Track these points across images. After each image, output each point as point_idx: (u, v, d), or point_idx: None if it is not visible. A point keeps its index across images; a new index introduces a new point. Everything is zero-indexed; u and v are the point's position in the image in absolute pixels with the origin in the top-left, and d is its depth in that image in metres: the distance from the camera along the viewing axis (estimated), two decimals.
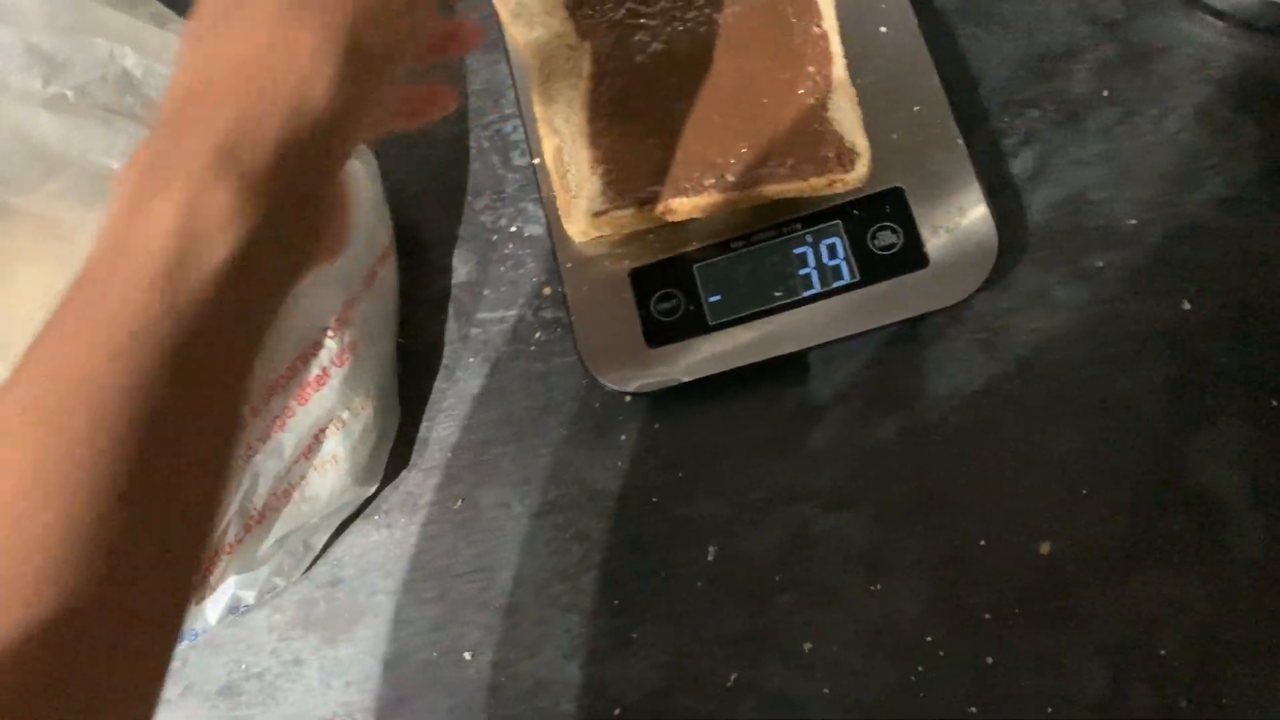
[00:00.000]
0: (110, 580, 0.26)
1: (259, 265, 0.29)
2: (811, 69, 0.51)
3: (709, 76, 0.52)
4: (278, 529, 0.50)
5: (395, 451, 0.54)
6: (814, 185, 0.50)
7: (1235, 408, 0.47)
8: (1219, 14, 0.52)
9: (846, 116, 0.50)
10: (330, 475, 0.51)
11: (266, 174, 0.29)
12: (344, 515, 0.53)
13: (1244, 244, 0.49)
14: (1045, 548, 0.47)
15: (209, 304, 0.28)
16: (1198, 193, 0.50)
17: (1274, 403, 0.47)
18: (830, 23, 0.52)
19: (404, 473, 0.54)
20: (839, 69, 0.51)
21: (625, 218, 0.51)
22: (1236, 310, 0.48)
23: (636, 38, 0.53)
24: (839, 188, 0.50)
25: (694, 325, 0.51)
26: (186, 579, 0.29)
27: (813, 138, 0.50)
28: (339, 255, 0.35)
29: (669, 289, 0.52)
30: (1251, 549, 0.46)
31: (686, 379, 0.51)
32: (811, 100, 0.51)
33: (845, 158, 0.50)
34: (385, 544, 0.53)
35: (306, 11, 0.30)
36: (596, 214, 0.51)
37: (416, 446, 0.54)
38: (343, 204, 0.34)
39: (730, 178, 0.50)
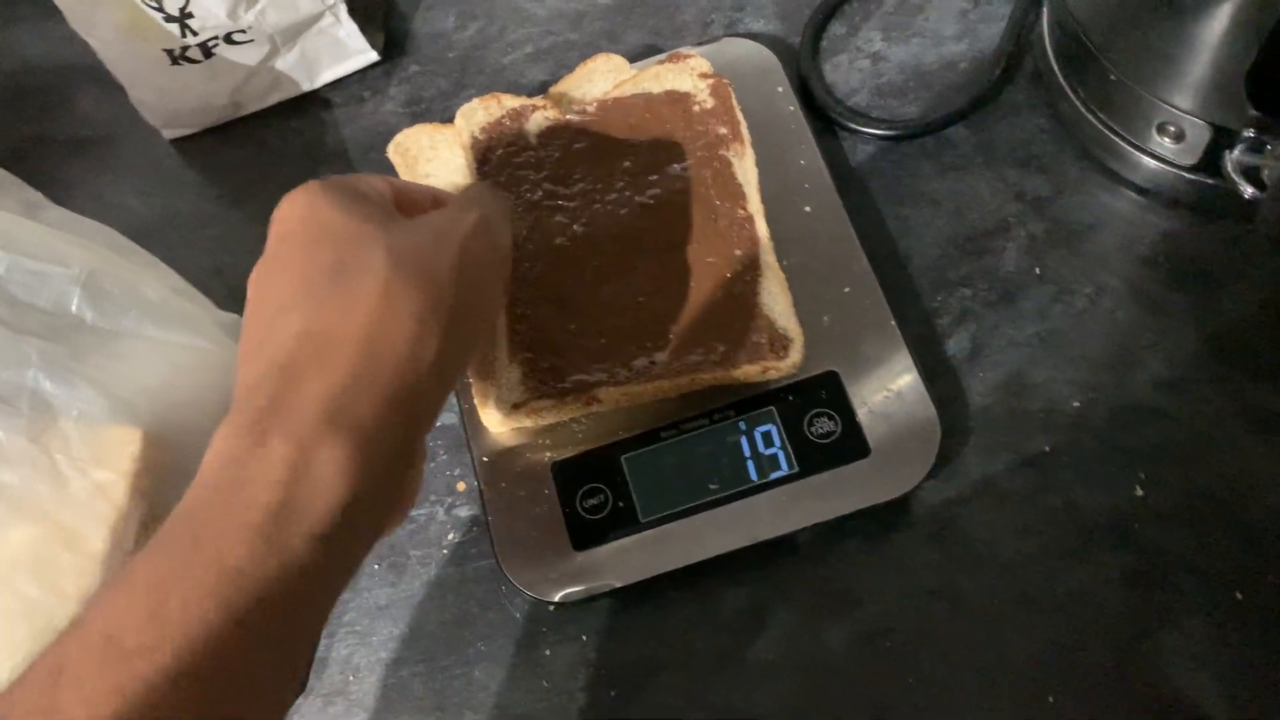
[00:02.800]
0: None
1: (357, 521, 0.30)
2: (738, 253, 0.49)
3: (632, 260, 0.50)
4: None
5: None
6: (747, 373, 0.47)
7: (1197, 603, 0.44)
8: (1143, 190, 0.52)
9: (777, 301, 0.48)
10: None
11: (375, 433, 0.30)
12: None
13: (1190, 427, 0.47)
14: None
15: (308, 556, 0.28)
16: (1139, 373, 0.48)
17: (1238, 595, 0.44)
18: (755, 205, 0.50)
19: (300, 700, 0.48)
20: (766, 252, 0.49)
21: (547, 408, 0.48)
22: (1190, 497, 0.46)
23: (555, 219, 0.51)
24: (772, 374, 0.48)
25: (624, 523, 0.47)
26: None
27: (743, 324, 0.48)
28: (410, 510, 0.37)
29: (596, 484, 0.48)
30: None
31: (617, 584, 0.46)
32: (740, 285, 0.48)
33: (778, 344, 0.47)
34: None
35: (415, 278, 0.32)
36: (516, 405, 0.48)
37: (315, 668, 0.48)
38: (422, 460, 0.36)
39: (658, 366, 0.47)
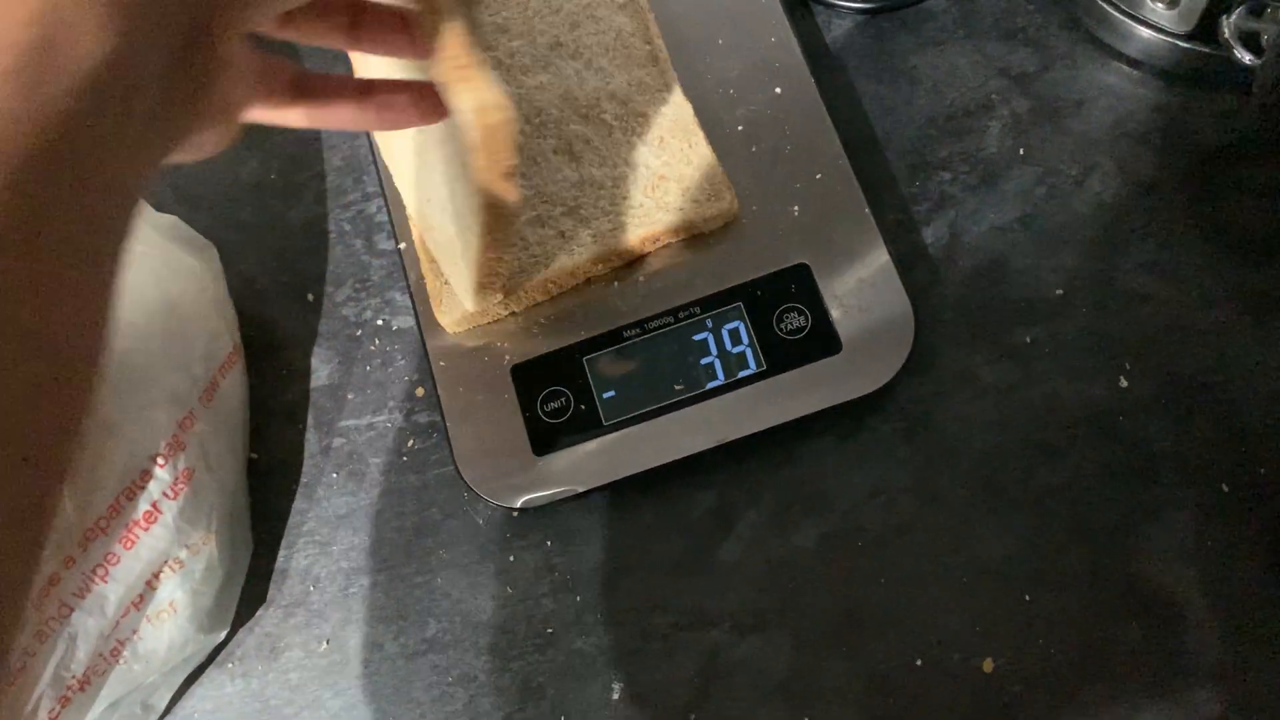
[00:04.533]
0: None
1: (128, 96, 0.26)
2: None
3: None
4: (106, 694, 0.42)
5: (249, 587, 0.47)
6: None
7: (1182, 496, 0.43)
8: (1135, 63, 0.49)
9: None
10: (168, 626, 0.43)
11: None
12: (190, 668, 0.46)
13: (1179, 312, 0.45)
14: (988, 665, 0.42)
15: (75, 105, 0.24)
16: (1126, 258, 0.46)
17: (1224, 488, 0.43)
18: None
19: (260, 611, 0.47)
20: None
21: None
22: (1176, 386, 0.44)
23: None
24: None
25: (586, 427, 0.45)
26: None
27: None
28: (211, 151, 0.31)
29: (556, 386, 0.46)
30: (1210, 654, 0.41)
31: (580, 489, 0.45)
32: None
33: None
34: (241, 697, 0.46)
35: None
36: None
37: (274, 580, 0.47)
38: (226, 73, 0.29)
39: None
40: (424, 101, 0.35)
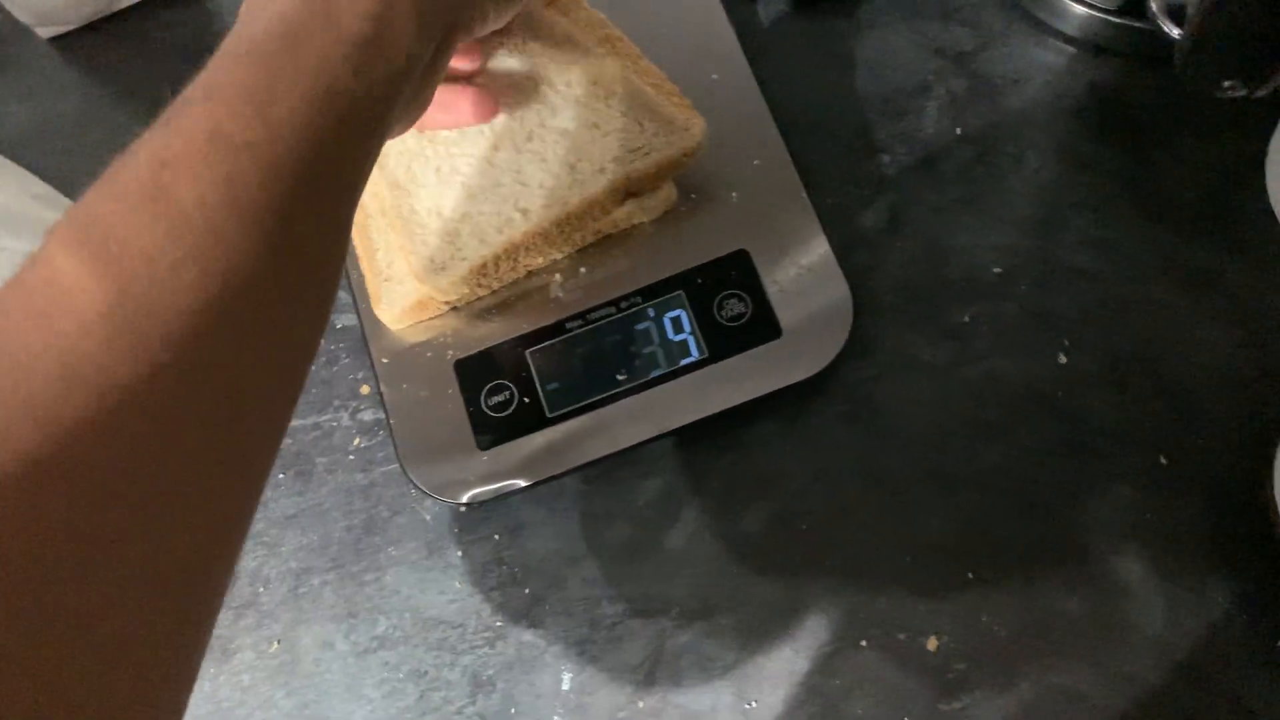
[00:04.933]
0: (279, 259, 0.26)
1: (411, 79, 0.31)
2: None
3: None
4: None
5: None
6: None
7: (1123, 469, 0.43)
8: (1069, 39, 0.49)
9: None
10: None
11: (438, 12, 0.32)
12: None
13: (1116, 288, 0.45)
14: (932, 643, 0.42)
15: (385, 90, 0.30)
16: (1063, 234, 0.46)
17: (1162, 460, 0.43)
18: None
19: None
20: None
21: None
22: (1115, 361, 0.44)
23: None
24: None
25: (530, 420, 0.45)
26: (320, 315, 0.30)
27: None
28: (418, 117, 0.36)
29: (500, 380, 0.46)
30: (1151, 625, 0.41)
31: (525, 483, 0.45)
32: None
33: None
34: (193, 700, 0.46)
35: None
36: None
37: None
38: (442, 73, 0.36)
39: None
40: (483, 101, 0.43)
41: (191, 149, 0.25)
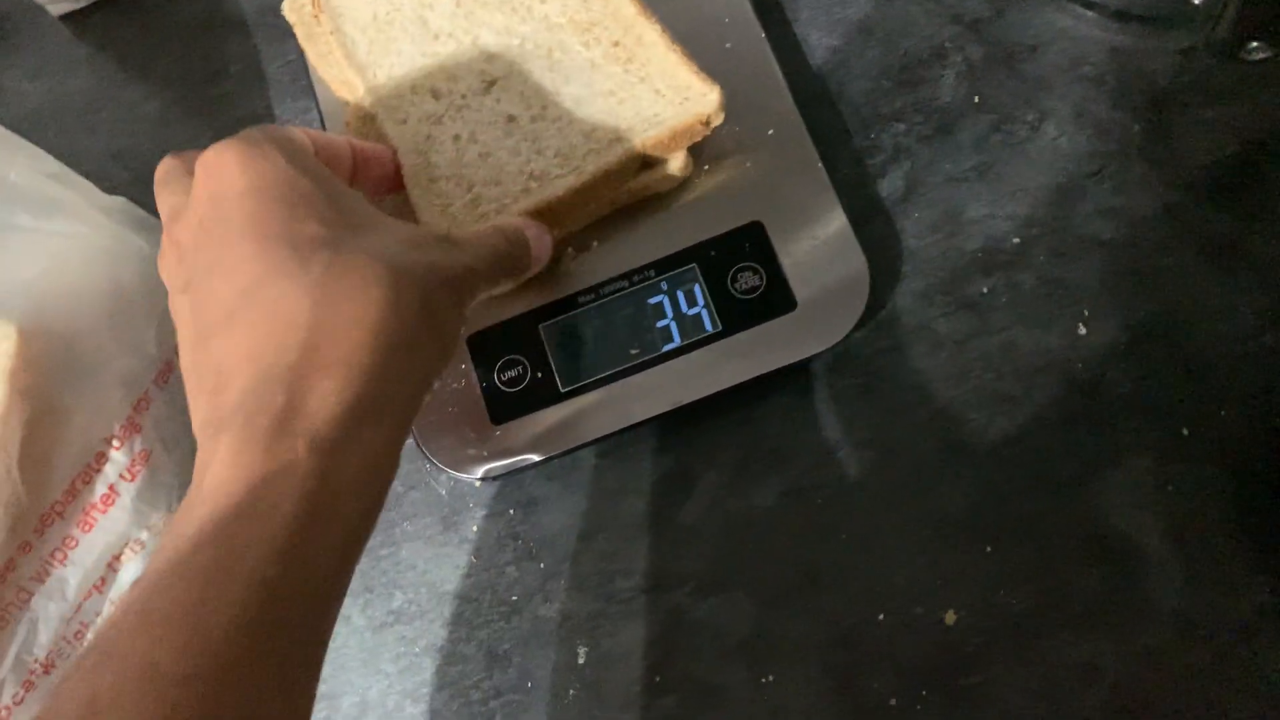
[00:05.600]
0: None
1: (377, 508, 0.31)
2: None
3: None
4: None
5: None
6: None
7: (1142, 441, 0.42)
8: (1089, 4, 0.48)
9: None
10: None
11: (397, 429, 0.32)
12: None
13: (1137, 257, 0.44)
14: (950, 617, 0.42)
15: (337, 562, 0.29)
16: (1083, 204, 0.45)
17: (1184, 431, 0.42)
18: None
19: None
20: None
21: None
22: (1135, 332, 0.44)
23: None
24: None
25: (544, 395, 0.45)
26: None
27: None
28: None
29: (513, 355, 0.46)
30: (1170, 599, 0.41)
31: (539, 458, 0.45)
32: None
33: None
34: None
35: (412, 269, 0.32)
36: None
37: None
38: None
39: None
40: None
41: (125, 687, 0.24)
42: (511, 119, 0.45)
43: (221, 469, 0.28)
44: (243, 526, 0.27)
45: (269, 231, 0.30)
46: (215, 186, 0.32)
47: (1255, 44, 0.36)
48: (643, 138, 0.44)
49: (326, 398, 0.28)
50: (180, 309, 0.33)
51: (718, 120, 0.45)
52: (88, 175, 0.49)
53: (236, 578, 0.26)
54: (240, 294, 0.30)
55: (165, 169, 0.35)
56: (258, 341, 0.29)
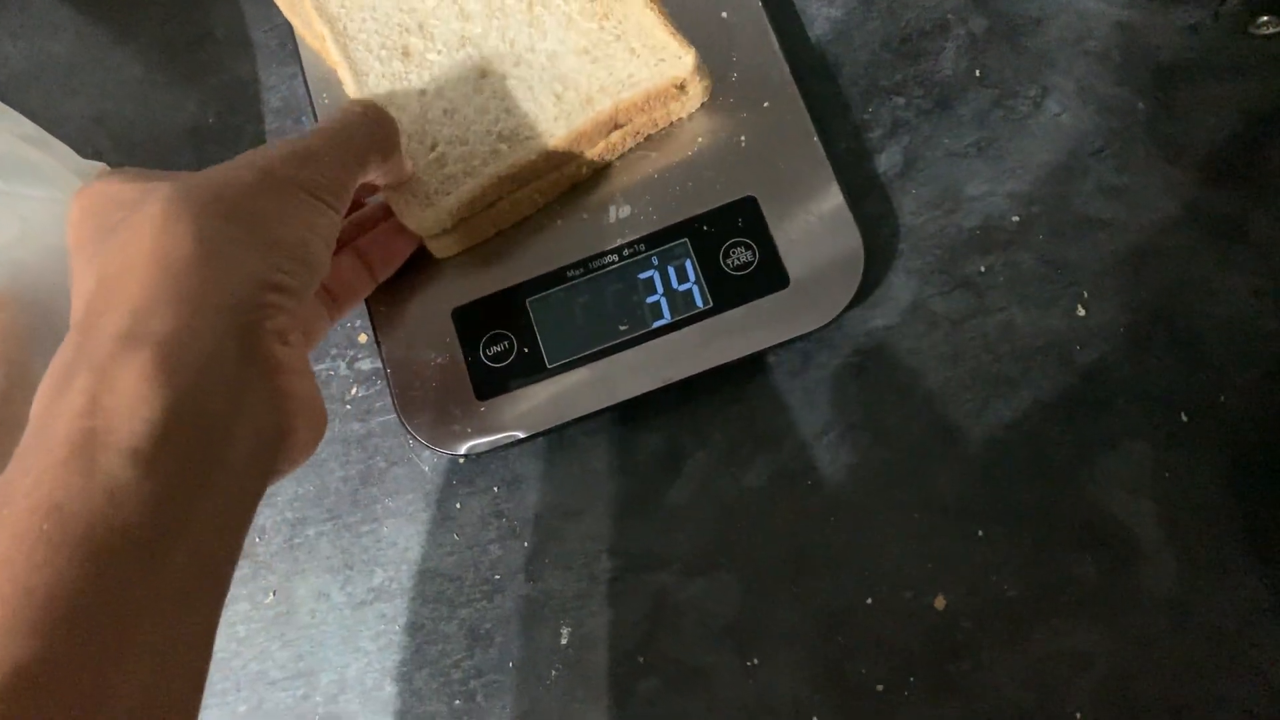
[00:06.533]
0: None
1: (194, 444, 0.27)
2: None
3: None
4: None
5: None
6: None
7: (1140, 427, 0.42)
8: None
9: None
10: None
11: (180, 341, 0.28)
12: None
13: (1137, 237, 0.43)
14: (940, 602, 0.41)
15: (133, 481, 0.26)
16: (1084, 182, 0.44)
17: (1183, 417, 0.42)
18: None
19: None
20: None
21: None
22: (1135, 314, 0.43)
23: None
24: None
25: (530, 370, 0.44)
26: None
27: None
28: (309, 447, 0.32)
29: (499, 329, 0.45)
30: (1164, 587, 0.40)
31: (525, 434, 0.44)
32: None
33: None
34: None
35: (203, 192, 0.30)
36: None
37: None
38: (289, 378, 0.31)
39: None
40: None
41: None
42: (484, 75, 0.44)
43: (30, 413, 0.29)
44: (29, 455, 0.27)
45: (87, 239, 0.32)
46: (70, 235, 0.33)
47: (1266, 18, 0.35)
48: (615, 99, 0.43)
49: (106, 324, 0.28)
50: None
51: (693, 86, 0.44)
52: (69, 139, 0.48)
53: (18, 505, 0.25)
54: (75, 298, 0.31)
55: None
56: (76, 310, 0.30)
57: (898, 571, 0.41)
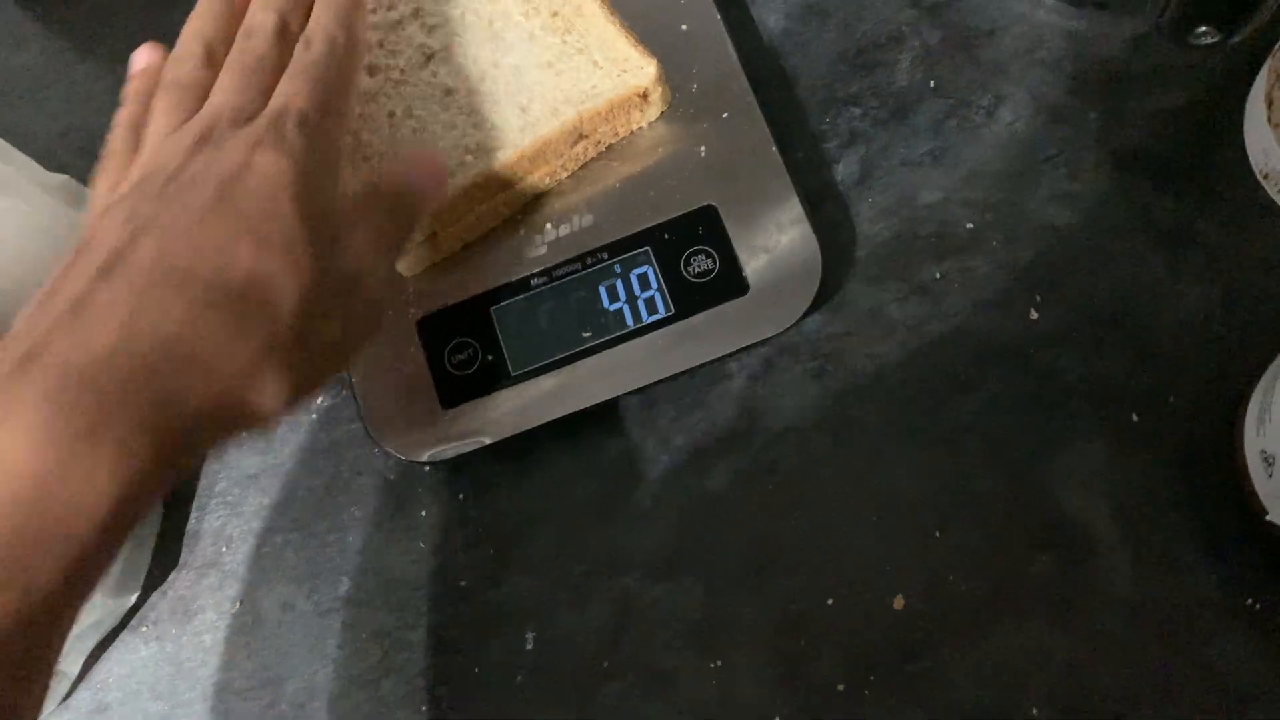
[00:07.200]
0: None
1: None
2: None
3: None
4: None
5: (162, 548, 0.46)
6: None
7: (1092, 427, 0.42)
8: None
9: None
10: None
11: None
12: (102, 633, 0.45)
13: (1089, 242, 0.44)
14: (898, 602, 0.42)
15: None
16: (1038, 189, 0.45)
17: (1134, 417, 0.42)
18: None
19: (173, 574, 0.46)
20: None
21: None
22: (1087, 317, 0.44)
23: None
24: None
25: (494, 377, 0.45)
26: None
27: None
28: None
29: (463, 338, 0.46)
30: (1119, 585, 0.41)
31: (490, 441, 0.44)
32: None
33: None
34: (155, 660, 0.46)
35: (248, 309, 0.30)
36: None
37: (186, 541, 0.47)
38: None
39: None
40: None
41: None
42: (449, 92, 0.44)
43: None
44: None
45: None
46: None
47: (1203, 29, 0.36)
48: (580, 110, 0.43)
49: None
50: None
51: (655, 95, 0.45)
52: (35, 153, 0.48)
53: None
54: None
55: None
56: None
57: (857, 572, 0.42)
